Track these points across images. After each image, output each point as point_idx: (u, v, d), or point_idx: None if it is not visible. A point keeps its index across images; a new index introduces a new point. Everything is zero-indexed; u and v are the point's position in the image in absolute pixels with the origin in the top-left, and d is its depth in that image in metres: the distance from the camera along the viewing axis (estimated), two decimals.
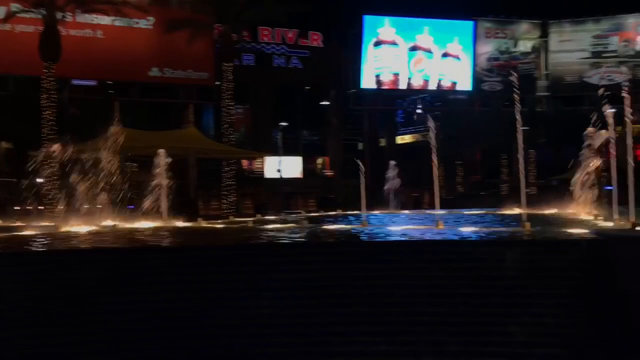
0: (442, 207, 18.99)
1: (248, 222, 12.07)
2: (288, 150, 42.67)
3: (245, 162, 39.00)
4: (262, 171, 41.88)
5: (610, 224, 7.28)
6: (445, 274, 6.10)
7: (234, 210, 25.23)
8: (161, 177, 11.78)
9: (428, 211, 16.70)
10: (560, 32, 49.72)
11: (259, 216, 14.08)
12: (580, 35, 49.46)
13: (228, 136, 27.63)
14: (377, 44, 43.45)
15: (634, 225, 7.37)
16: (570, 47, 49.51)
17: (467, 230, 8.69)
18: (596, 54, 49.36)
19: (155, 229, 10.14)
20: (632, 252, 5.74)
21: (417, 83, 44.90)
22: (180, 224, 11.37)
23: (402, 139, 52.94)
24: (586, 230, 7.03)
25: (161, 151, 12.79)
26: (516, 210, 14.39)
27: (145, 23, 34.23)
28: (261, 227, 10.45)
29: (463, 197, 30.63)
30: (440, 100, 46.57)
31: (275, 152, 39.86)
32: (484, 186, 40.54)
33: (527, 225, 8.51)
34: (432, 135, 17.42)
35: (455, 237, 7.31)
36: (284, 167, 39.64)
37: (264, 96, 43.50)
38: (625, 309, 5.65)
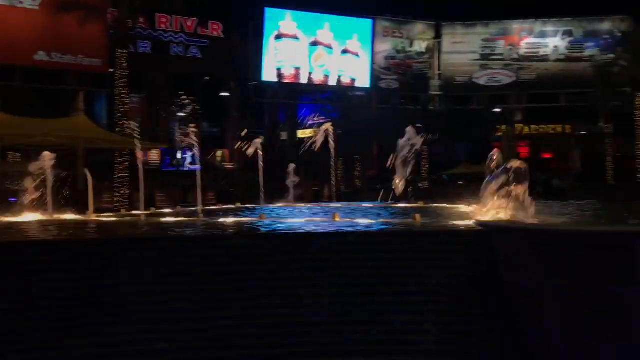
0: (340, 201, 19.36)
1: (140, 216, 11.61)
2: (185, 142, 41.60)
3: (140, 154, 37.51)
4: (158, 163, 40.61)
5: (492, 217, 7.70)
6: (339, 265, 6.17)
7: (127, 203, 24.25)
8: (47, 168, 11.04)
9: (325, 204, 16.91)
10: (452, 34, 52.25)
11: (153, 209, 13.57)
12: (470, 38, 52.25)
13: (121, 126, 26.50)
14: (279, 37, 43.43)
15: (512, 216, 7.82)
16: (461, 48, 52.17)
17: (362, 222, 8.86)
18: (485, 57, 52.35)
19: (36, 222, 9.47)
20: (509, 241, 6.12)
21: (317, 78, 45.41)
22: (66, 217, 10.70)
23: (303, 133, 53.44)
24: (471, 222, 7.38)
25: (47, 139, 12.03)
26: (410, 204, 14.94)
27: (30, 3, 31.91)
28: (152, 220, 10.07)
29: (360, 191, 31.41)
30: (340, 96, 47.38)
31: (172, 144, 38.77)
32: (380, 180, 41.79)
33: (418, 217, 8.79)
34: (329, 133, 17.60)
35: (350, 229, 7.41)
36: (181, 159, 38.67)
37: (161, 86, 42.15)
38: (504, 295, 6.00)
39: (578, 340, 5.41)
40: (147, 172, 15.59)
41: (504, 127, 45.54)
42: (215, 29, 45.38)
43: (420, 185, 40.42)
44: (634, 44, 38.92)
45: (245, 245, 6.25)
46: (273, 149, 40.78)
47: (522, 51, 51.77)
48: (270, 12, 43.10)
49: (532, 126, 49.40)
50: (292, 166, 19.02)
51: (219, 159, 46.08)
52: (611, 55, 43.46)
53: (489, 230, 6.65)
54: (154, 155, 40.21)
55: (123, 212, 16.06)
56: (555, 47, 51.34)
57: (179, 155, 41.18)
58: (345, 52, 45.95)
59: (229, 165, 42.14)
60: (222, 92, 43.44)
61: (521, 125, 49.54)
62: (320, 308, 5.87)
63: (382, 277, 6.03)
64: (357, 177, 40.63)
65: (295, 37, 43.82)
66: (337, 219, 9.13)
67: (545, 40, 51.56)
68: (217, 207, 16.21)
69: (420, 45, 51.30)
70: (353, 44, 46.21)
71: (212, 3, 40.17)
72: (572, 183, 31.45)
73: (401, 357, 5.70)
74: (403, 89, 49.31)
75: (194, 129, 20.55)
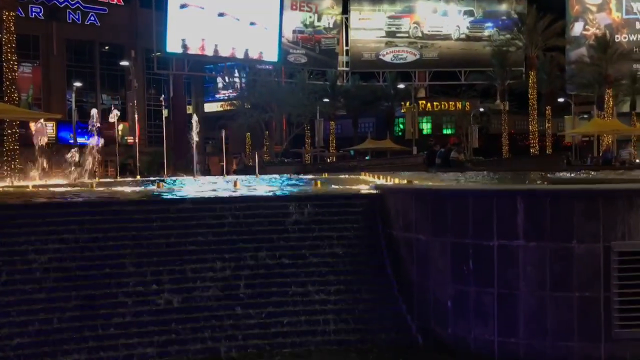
0: (248, 174, 19.20)
1: (29, 186, 10.95)
2: (84, 114, 39.58)
3: (33, 125, 35.28)
4: (54, 137, 38.41)
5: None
6: (238, 228, 6.21)
7: (19, 177, 22.76)
8: None
9: (229, 176, 16.73)
10: (359, 10, 52.85)
11: (45, 181, 12.83)
12: (377, 15, 53.10)
13: (10, 95, 24.74)
14: (183, 6, 41.93)
15: (410, 181, 8.15)
16: (368, 25, 52.97)
17: (262, 189, 8.85)
18: (390, 34, 53.48)
19: None
20: (399, 201, 6.34)
21: (224, 50, 44.41)
22: None
23: (211, 107, 52.41)
24: (368, 186, 7.60)
25: None
26: (310, 175, 15.09)
27: None
28: (41, 190, 9.53)
29: (268, 164, 31.35)
30: (248, 69, 46.69)
31: (68, 116, 36.73)
32: (288, 154, 41.90)
33: (318, 183, 8.91)
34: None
35: (249, 194, 7.38)
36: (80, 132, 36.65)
37: (56, 54, 39.69)
38: (396, 252, 6.24)
39: (458, 286, 5.76)
40: (41, 145, 14.78)
41: (407, 103, 46.87)
42: None
43: (328, 160, 40.97)
44: (528, 25, 41.11)
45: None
46: (178, 123, 39.72)
47: (426, 30, 53.34)
48: None
49: (435, 103, 51.22)
50: (194, 140, 18.71)
51: (120, 133, 44.20)
52: (508, 36, 45.72)
53: (382, 192, 6.94)
54: (49, 129, 37.95)
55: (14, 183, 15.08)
56: (457, 26, 53.35)
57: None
58: (253, 23, 45.22)
59: (130, 140, 40.52)
60: (122, 62, 41.49)
61: (424, 101, 51.23)
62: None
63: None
64: (266, 151, 40.49)
65: (201, 7, 42.51)
66: (238, 186, 9.05)
67: (447, 20, 53.42)
68: (114, 179, 15.63)
69: (328, 20, 51.51)
70: (261, 16, 45.53)
71: None
72: (470, 156, 33.09)
73: (314, 287, 5.94)
74: (311, 64, 49.43)
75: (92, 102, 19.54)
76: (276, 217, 6.33)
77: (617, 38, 48.53)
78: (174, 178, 15.82)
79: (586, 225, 5.56)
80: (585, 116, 47.50)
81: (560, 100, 47.01)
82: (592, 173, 15.10)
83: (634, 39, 51.29)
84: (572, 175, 13.04)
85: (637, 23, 52.40)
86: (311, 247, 6.19)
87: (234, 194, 7.39)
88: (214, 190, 8.63)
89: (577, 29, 52.21)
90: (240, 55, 44.90)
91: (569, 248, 5.56)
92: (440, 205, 5.94)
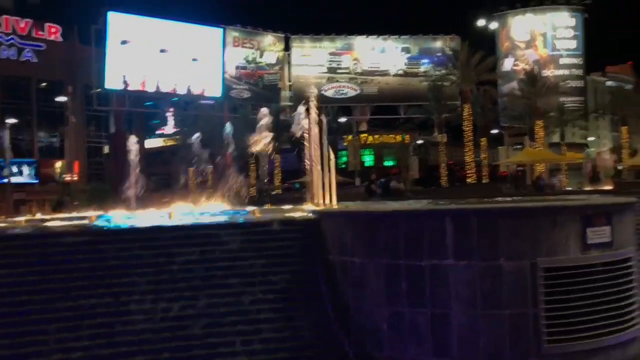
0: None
1: None
2: (19, 152, 38.25)
3: None
4: None
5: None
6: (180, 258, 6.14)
7: None
8: None
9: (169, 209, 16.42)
10: (301, 47, 53.75)
11: None
12: (318, 52, 54.11)
13: None
14: (124, 42, 41.51)
15: (340, 207, 8.29)
16: (310, 62, 53.83)
17: (203, 219, 8.76)
18: (331, 70, 54.50)
19: None
20: (334, 225, 6.44)
21: (166, 86, 44.06)
22: None
23: (153, 143, 51.60)
24: (306, 212, 7.68)
25: None
26: (257, 207, 15.05)
27: None
28: None
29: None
30: (191, 105, 46.38)
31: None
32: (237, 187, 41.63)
33: (257, 212, 8.93)
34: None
35: (183, 224, 7.32)
36: (14, 171, 35.31)
37: None
38: (333, 277, 6.29)
39: (393, 308, 5.85)
40: None
41: (350, 136, 47.65)
42: (52, 32, 42.38)
43: (273, 192, 40.88)
44: (461, 61, 42.83)
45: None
46: (118, 159, 38.86)
47: (366, 66, 54.71)
48: (114, 17, 41.07)
49: (376, 135, 52.28)
50: (135, 175, 18.35)
51: (58, 170, 42.87)
52: (443, 71, 47.43)
53: (319, 216, 7.03)
54: None
55: None
56: (395, 62, 54.94)
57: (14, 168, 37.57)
58: (195, 60, 45.20)
59: (68, 178, 39.26)
60: (60, 99, 40.50)
61: (365, 134, 52.21)
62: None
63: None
64: (210, 186, 40.05)
65: (142, 43, 42.20)
66: (173, 217, 8.95)
67: (386, 56, 54.97)
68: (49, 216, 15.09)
69: (270, 57, 52.07)
70: (203, 53, 45.59)
71: (48, 3, 37.56)
72: (410, 186, 33.83)
73: (246, 316, 5.90)
74: (254, 99, 49.63)
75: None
76: (209, 246, 6.30)
77: (545, 73, 51.24)
78: (113, 213, 15.42)
79: (513, 243, 5.80)
80: (519, 146, 49.54)
81: (495, 131, 48.94)
82: (527, 198, 15.69)
83: (560, 73, 54.29)
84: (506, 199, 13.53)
85: (561, 59, 55.58)
86: (245, 274, 6.18)
87: (169, 224, 7.31)
88: (149, 220, 8.49)
89: (507, 64, 54.85)
90: (182, 91, 44.60)
91: (498, 266, 5.78)
92: (373, 228, 6.08)
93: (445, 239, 5.78)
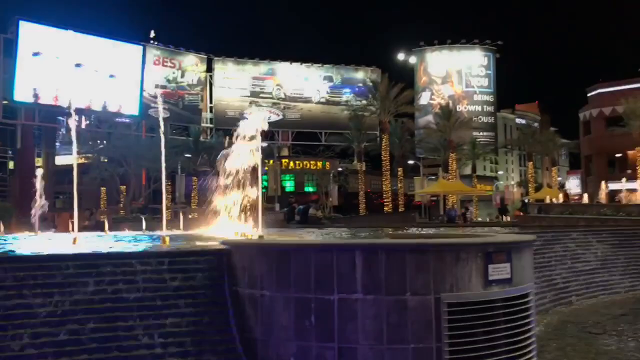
0: (100, 230, 18.09)
1: None
2: None
3: None
4: None
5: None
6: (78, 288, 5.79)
7: None
8: None
9: (73, 233, 15.66)
10: (224, 69, 53.54)
11: None
12: (241, 75, 54.10)
13: None
14: (36, 53, 39.66)
15: (260, 236, 8.18)
16: (232, 84, 53.70)
17: (102, 246, 8.38)
18: (254, 94, 54.60)
19: None
20: (245, 257, 6.33)
21: (80, 101, 42.35)
22: None
23: (64, 160, 49.22)
24: (217, 242, 7.51)
25: None
26: (171, 232, 14.60)
27: None
28: None
29: (123, 220, 29.79)
30: (106, 122, 44.78)
31: None
32: (147, 210, 40.30)
33: (167, 239, 8.65)
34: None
35: (82, 252, 6.94)
36: None
37: None
38: (242, 310, 6.15)
39: (301, 342, 5.78)
40: None
41: (271, 161, 47.62)
42: None
43: (190, 215, 39.89)
44: (381, 93, 44.14)
45: None
46: (25, 176, 36.72)
47: (289, 92, 55.22)
48: (26, 26, 39.21)
49: (297, 161, 52.57)
50: (39, 198, 17.42)
51: None
52: (364, 102, 48.66)
53: (229, 247, 6.89)
54: None
55: None
56: (318, 90, 55.86)
57: None
58: (112, 76, 43.85)
59: None
60: None
61: (287, 159, 52.39)
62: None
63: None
64: (122, 206, 38.54)
65: (56, 56, 40.49)
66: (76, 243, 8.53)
67: (309, 84, 55.79)
68: None
69: (192, 77, 51.46)
70: (121, 69, 44.36)
71: None
72: (328, 213, 34.18)
73: (149, 350, 5.66)
74: (174, 119, 48.72)
75: None
76: (111, 276, 6.00)
77: (459, 108, 53.76)
78: (12, 235, 14.49)
79: (419, 278, 5.91)
80: (433, 177, 51.44)
81: (411, 162, 50.58)
82: (440, 229, 16.25)
83: (473, 109, 57.14)
84: (417, 231, 13.92)
85: (474, 95, 58.57)
86: (150, 307, 5.92)
87: (69, 252, 6.91)
88: (48, 246, 8.03)
89: (424, 98, 57.15)
90: (97, 107, 43.04)
91: (403, 300, 5.86)
92: (284, 261, 6.02)
93: (354, 272, 5.81)
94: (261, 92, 54.67)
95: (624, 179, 39.12)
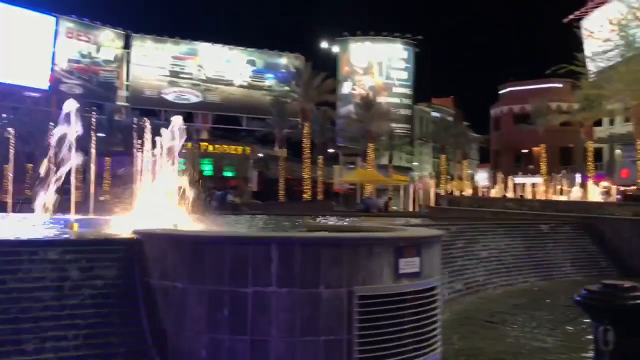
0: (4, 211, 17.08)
1: None
2: None
3: None
4: None
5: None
6: None
7: None
8: None
9: None
10: (142, 47, 51.59)
11: None
12: (160, 53, 52.34)
13: None
14: None
15: (174, 225, 8.03)
16: (151, 62, 51.85)
17: (8, 230, 7.96)
18: (174, 74, 53.04)
19: None
20: (157, 247, 6.19)
21: None
22: None
23: None
24: (128, 231, 7.27)
25: None
26: (79, 216, 13.97)
27: None
28: None
29: (28, 201, 28.24)
30: (13, 96, 42.01)
31: None
32: (59, 191, 38.39)
33: (75, 226, 8.31)
34: None
35: None
36: None
37: None
38: (153, 302, 6.01)
39: (213, 335, 5.75)
40: None
41: (189, 144, 46.60)
42: None
43: (102, 198, 38.30)
44: (304, 80, 44.17)
45: None
46: None
47: (210, 73, 54.07)
48: None
49: (216, 145, 51.72)
50: None
51: None
52: (286, 88, 48.52)
53: (141, 236, 6.69)
54: None
55: None
56: (240, 73, 55.07)
57: None
58: (20, 47, 41.15)
59: None
60: None
61: (206, 143, 51.40)
62: None
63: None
64: (28, 186, 36.42)
65: None
66: None
67: (231, 66, 54.86)
68: None
69: (108, 53, 49.25)
70: (30, 40, 41.73)
71: None
72: (247, 199, 33.97)
73: (54, 342, 5.42)
74: (87, 96, 46.48)
75: None
76: (10, 265, 5.68)
77: (379, 99, 54.79)
78: None
79: (332, 272, 6.01)
80: (352, 166, 52.29)
81: (331, 150, 51.13)
82: (359, 219, 16.60)
83: (392, 101, 58.44)
84: (333, 222, 14.14)
85: (394, 87, 59.90)
86: (54, 297, 5.67)
87: None
88: None
89: (346, 87, 57.78)
90: (2, 79, 40.33)
91: (317, 293, 5.95)
92: (197, 252, 5.93)
93: (270, 266, 5.82)
94: (181, 72, 53.20)
95: (528, 174, 41.54)
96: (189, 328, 5.84)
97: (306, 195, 41.23)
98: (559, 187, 34.54)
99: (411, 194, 41.26)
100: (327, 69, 46.84)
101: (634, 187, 34.73)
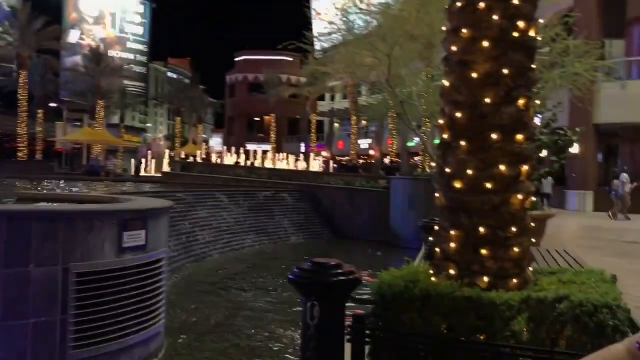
0: None
1: None
2: None
3: None
4: None
5: None
6: None
7: None
8: None
9: None
10: None
11: None
12: None
13: None
14: None
15: None
16: None
17: None
18: None
19: None
20: None
21: None
22: None
23: None
24: None
25: None
26: None
27: None
28: None
29: None
30: None
31: None
32: None
33: None
34: None
35: None
36: None
37: None
38: None
39: None
40: None
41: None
42: None
43: None
44: (21, 22, 38.70)
45: None
46: None
47: None
48: None
49: None
50: None
51: None
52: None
53: None
54: None
55: None
56: None
57: None
58: None
59: None
60: None
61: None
62: None
63: None
64: None
65: None
66: None
67: None
68: None
69: None
70: None
71: None
72: None
73: None
74: None
75: None
76: None
77: (111, 53, 51.20)
78: None
79: (45, 248, 5.46)
80: (78, 124, 48.19)
81: (54, 105, 46.25)
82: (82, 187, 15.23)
83: (125, 56, 55.20)
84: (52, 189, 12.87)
85: (127, 42, 56.59)
86: None
87: None
88: None
89: (73, 36, 52.55)
90: None
91: (26, 272, 5.35)
92: None
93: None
94: None
95: (260, 141, 43.52)
96: None
97: (21, 154, 36.67)
98: (284, 155, 37.00)
99: (144, 157, 39.80)
100: (50, 12, 41.82)
101: (347, 158, 39.19)
